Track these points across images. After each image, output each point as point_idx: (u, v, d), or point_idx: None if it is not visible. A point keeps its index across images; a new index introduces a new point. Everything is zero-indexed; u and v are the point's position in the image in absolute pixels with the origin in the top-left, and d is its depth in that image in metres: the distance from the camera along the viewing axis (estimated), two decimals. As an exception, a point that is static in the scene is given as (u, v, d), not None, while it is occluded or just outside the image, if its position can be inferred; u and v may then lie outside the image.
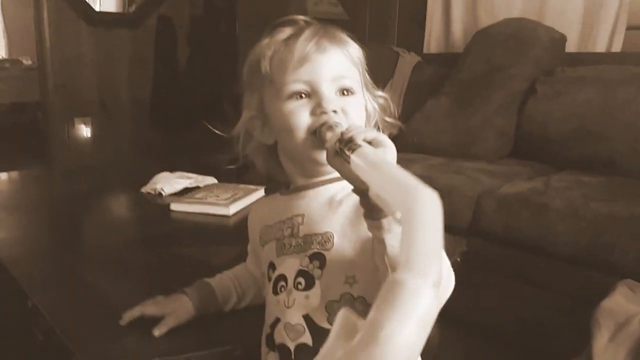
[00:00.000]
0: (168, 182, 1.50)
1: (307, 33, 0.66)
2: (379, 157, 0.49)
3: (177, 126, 3.57)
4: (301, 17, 0.69)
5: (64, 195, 1.65)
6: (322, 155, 0.61)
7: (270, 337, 0.65)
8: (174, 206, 1.35)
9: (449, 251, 1.16)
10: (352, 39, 0.70)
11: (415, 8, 2.88)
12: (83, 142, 3.49)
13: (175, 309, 0.75)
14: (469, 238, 1.59)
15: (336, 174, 0.60)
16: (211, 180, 1.58)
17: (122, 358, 0.70)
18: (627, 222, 1.39)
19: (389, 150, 0.54)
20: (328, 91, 0.65)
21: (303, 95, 0.65)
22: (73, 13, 3.31)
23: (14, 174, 1.89)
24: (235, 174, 1.50)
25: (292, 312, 0.62)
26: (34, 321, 0.82)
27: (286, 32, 0.67)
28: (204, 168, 1.67)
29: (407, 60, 2.60)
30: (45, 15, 3.22)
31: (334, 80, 0.65)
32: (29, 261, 1.04)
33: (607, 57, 2.20)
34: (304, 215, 0.67)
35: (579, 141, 1.90)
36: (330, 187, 0.68)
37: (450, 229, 1.60)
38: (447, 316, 1.29)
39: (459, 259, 1.09)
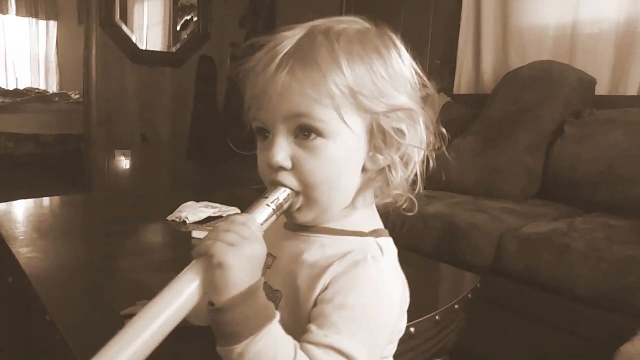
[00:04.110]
0: (192, 211, 1.56)
1: (274, 54, 0.53)
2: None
3: (213, 159, 3.66)
4: (287, 34, 0.55)
5: (96, 221, 1.72)
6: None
7: None
8: (195, 233, 1.39)
9: (461, 287, 1.16)
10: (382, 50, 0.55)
11: (446, 49, 2.93)
12: (122, 173, 3.62)
13: None
14: (490, 277, 1.58)
15: (339, 224, 0.57)
16: (234, 210, 1.62)
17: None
18: (651, 265, 1.35)
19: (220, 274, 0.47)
20: (280, 134, 0.54)
21: (267, 134, 0.55)
22: (119, 51, 3.49)
23: (54, 199, 1.98)
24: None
25: None
26: (51, 336, 0.86)
27: (261, 52, 0.56)
28: (234, 199, 1.72)
29: (436, 100, 2.63)
30: (93, 52, 3.41)
31: (287, 119, 0.53)
32: (53, 279, 1.09)
33: (637, 100, 2.18)
34: (275, 258, 0.60)
35: (606, 184, 1.87)
36: (316, 239, 0.57)
37: (471, 267, 1.61)
38: (464, 355, 1.29)
39: (470, 295, 1.08)
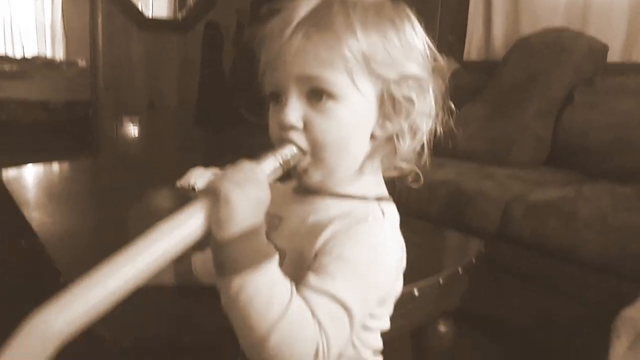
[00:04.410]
0: (201, 177, 1.57)
1: (290, 19, 0.55)
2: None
3: (221, 126, 3.66)
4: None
5: (106, 186, 1.74)
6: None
7: None
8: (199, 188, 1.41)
9: (466, 252, 1.18)
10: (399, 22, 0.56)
11: (456, 15, 2.88)
12: (130, 140, 3.64)
13: (160, 271, 0.82)
14: (496, 243, 1.59)
15: (345, 189, 0.58)
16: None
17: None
18: (657, 232, 1.36)
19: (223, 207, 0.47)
20: (293, 96, 0.55)
21: (279, 99, 0.57)
22: (125, 18, 3.46)
23: (63, 165, 2.01)
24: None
25: None
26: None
27: (276, 17, 0.57)
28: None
29: (445, 67, 2.60)
30: (99, 19, 3.39)
31: (301, 80, 0.54)
32: (66, 242, 1.11)
33: (650, 67, 2.15)
34: (282, 219, 0.61)
35: (616, 151, 1.86)
36: (321, 202, 0.59)
37: (477, 232, 1.62)
38: (469, 318, 1.31)
39: (474, 260, 1.09)
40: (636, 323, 1.14)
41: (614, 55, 2.23)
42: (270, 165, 0.54)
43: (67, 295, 0.42)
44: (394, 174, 0.62)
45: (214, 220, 0.48)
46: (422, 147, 0.60)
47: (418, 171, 0.61)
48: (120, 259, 0.45)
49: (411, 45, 0.57)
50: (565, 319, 1.47)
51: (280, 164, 0.54)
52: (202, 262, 0.82)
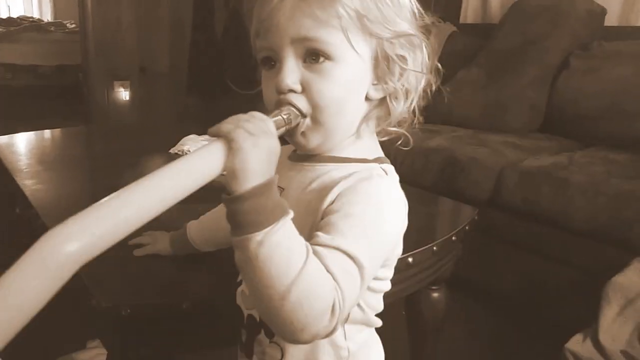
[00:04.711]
0: (194, 144, 1.56)
1: None
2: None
3: (213, 91, 3.62)
4: None
5: (98, 153, 1.73)
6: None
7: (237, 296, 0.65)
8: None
9: (459, 219, 1.18)
10: None
11: (453, -23, 2.82)
12: (121, 105, 3.60)
13: (156, 241, 0.85)
14: (488, 210, 1.60)
15: (343, 152, 0.59)
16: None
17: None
18: (648, 199, 1.37)
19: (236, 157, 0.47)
20: (289, 58, 0.55)
21: (273, 63, 0.57)
22: (114, -22, 3.37)
23: (55, 131, 1.98)
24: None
25: None
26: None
27: None
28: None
29: (441, 30, 2.57)
30: (87, -21, 3.29)
31: (297, 42, 0.54)
32: (60, 210, 1.11)
33: (648, 32, 2.13)
34: (283, 190, 0.60)
35: (610, 118, 1.87)
36: (323, 168, 0.59)
37: (470, 200, 1.63)
38: (461, 284, 1.33)
39: (467, 227, 1.10)
40: (626, 289, 1.16)
41: (612, 19, 2.21)
42: (276, 120, 0.53)
43: (82, 218, 0.40)
44: (386, 137, 0.62)
45: (228, 170, 0.47)
46: (414, 111, 0.60)
47: (408, 135, 0.61)
48: (136, 188, 0.43)
49: (401, 4, 0.57)
50: (556, 285, 1.50)
51: (284, 120, 0.54)
52: (198, 230, 0.82)
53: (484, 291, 1.64)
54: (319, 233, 0.51)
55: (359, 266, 0.49)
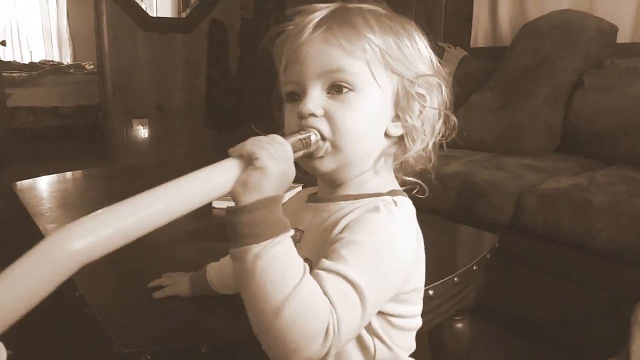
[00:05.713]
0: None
1: (311, 19, 0.58)
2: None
3: (229, 126, 3.67)
4: (322, 5, 0.60)
5: (118, 193, 1.75)
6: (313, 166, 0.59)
7: None
8: (216, 203, 1.41)
9: (479, 247, 1.17)
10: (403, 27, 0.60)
11: (461, 2, 2.85)
12: (140, 142, 3.66)
13: (175, 283, 0.86)
14: (509, 234, 1.58)
15: (359, 189, 0.60)
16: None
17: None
18: (673, 218, 1.34)
19: (261, 177, 0.49)
20: (314, 89, 0.57)
21: (297, 97, 0.59)
22: (130, 19, 3.47)
23: (76, 173, 2.02)
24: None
25: None
26: (80, 310, 0.90)
27: (297, 20, 0.60)
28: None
29: (453, 55, 2.58)
30: (104, 22, 3.40)
31: (322, 75, 0.57)
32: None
33: (661, 48, 2.11)
34: (303, 232, 0.62)
35: (628, 136, 1.84)
36: (337, 206, 0.60)
37: (490, 225, 1.61)
38: (485, 312, 1.30)
39: (488, 256, 1.09)
40: (655, 313, 1.13)
41: (624, 36, 2.20)
42: (294, 145, 0.55)
43: (91, 219, 0.42)
44: (403, 174, 0.64)
45: (241, 183, 0.49)
46: (431, 149, 0.62)
47: (424, 186, 0.64)
48: (149, 195, 0.45)
49: (421, 51, 0.61)
50: (582, 310, 1.46)
51: (302, 143, 0.55)
52: (217, 272, 0.83)
53: (508, 318, 1.61)
54: (323, 259, 0.52)
55: (359, 293, 0.50)
